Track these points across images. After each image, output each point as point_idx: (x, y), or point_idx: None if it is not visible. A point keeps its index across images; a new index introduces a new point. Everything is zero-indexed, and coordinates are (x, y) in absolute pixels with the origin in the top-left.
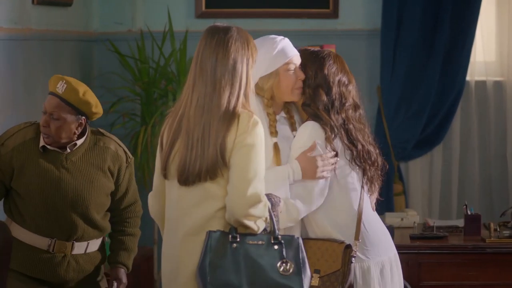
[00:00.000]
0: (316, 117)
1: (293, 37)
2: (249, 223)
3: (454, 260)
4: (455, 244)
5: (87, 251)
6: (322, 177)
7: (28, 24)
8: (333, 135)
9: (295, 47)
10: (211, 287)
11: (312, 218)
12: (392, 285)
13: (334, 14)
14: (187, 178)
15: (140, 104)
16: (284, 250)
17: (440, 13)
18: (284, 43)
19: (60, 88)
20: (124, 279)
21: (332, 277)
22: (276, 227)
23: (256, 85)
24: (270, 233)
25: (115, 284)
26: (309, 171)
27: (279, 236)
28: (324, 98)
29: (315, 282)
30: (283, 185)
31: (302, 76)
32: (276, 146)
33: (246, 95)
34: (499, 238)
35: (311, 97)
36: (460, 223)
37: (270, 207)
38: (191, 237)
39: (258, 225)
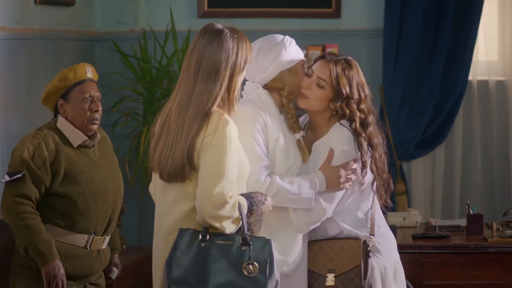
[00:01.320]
0: (360, 149)
1: (295, 37)
2: (216, 223)
3: (456, 260)
4: (457, 243)
5: (107, 244)
6: (345, 188)
7: (31, 24)
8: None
9: (299, 47)
10: (173, 285)
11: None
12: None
13: (337, 14)
14: (161, 176)
15: (142, 104)
16: (251, 251)
17: (442, 13)
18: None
19: (90, 73)
20: (119, 263)
21: (351, 274)
22: (246, 227)
23: (276, 80)
24: (240, 233)
25: (115, 270)
26: (333, 181)
27: (248, 237)
28: (362, 115)
29: (331, 282)
30: (310, 195)
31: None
32: (299, 144)
33: (226, 99)
34: (502, 237)
35: (362, 123)
36: (463, 222)
37: (241, 207)
38: (169, 235)
39: (225, 226)
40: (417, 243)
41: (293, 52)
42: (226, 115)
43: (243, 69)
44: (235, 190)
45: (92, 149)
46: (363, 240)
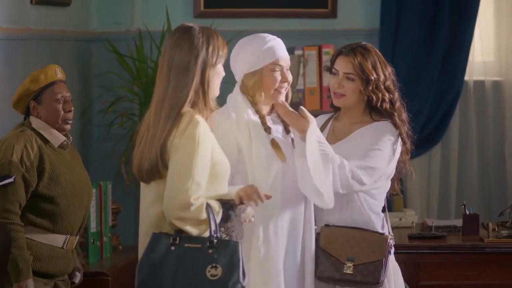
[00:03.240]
0: (399, 129)
1: (291, 37)
2: (181, 225)
3: (452, 260)
4: (453, 244)
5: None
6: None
7: (27, 24)
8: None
9: (294, 47)
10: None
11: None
12: None
13: (333, 14)
14: (141, 176)
15: (138, 104)
16: (216, 254)
17: (438, 13)
18: (274, 42)
19: (60, 73)
20: (81, 266)
21: (371, 267)
22: (213, 230)
23: (242, 83)
24: (208, 237)
25: (78, 274)
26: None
27: (215, 241)
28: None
29: (349, 270)
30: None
31: (286, 79)
32: (274, 143)
33: (200, 94)
34: (498, 237)
35: (391, 102)
36: (459, 223)
37: (212, 210)
38: (146, 238)
39: (189, 228)
40: (413, 243)
41: (262, 54)
42: (197, 116)
43: (215, 63)
44: (206, 192)
45: (66, 150)
46: (389, 236)
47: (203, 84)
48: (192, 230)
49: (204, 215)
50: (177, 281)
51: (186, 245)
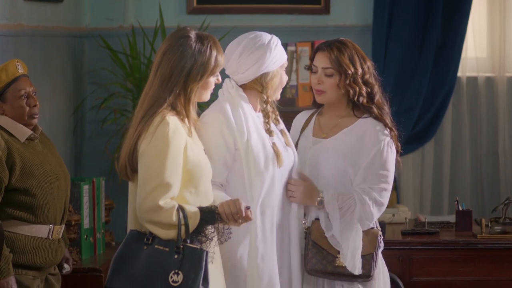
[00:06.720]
0: (382, 119)
1: (284, 33)
2: (150, 228)
3: (445, 256)
4: (446, 240)
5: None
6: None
7: (20, 20)
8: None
9: (287, 43)
10: (107, 284)
11: None
12: None
13: (326, 10)
14: (121, 173)
15: (131, 100)
16: (181, 260)
17: (431, 9)
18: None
19: (21, 68)
20: (70, 256)
21: (362, 260)
22: (181, 235)
23: (256, 81)
24: (177, 241)
25: (67, 267)
26: (226, 206)
27: (182, 246)
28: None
29: (341, 263)
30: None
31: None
32: (275, 147)
33: (181, 106)
34: (491, 233)
35: (369, 95)
36: (452, 219)
37: (185, 214)
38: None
39: (157, 231)
40: (406, 239)
41: (277, 55)
42: (168, 117)
43: (200, 79)
44: (188, 194)
45: (36, 141)
46: (379, 231)
47: (184, 95)
48: (161, 233)
49: (174, 219)
50: (141, 280)
51: (156, 246)
